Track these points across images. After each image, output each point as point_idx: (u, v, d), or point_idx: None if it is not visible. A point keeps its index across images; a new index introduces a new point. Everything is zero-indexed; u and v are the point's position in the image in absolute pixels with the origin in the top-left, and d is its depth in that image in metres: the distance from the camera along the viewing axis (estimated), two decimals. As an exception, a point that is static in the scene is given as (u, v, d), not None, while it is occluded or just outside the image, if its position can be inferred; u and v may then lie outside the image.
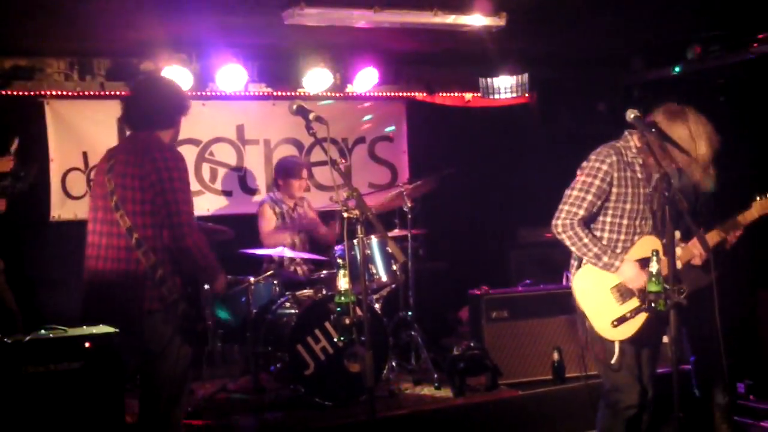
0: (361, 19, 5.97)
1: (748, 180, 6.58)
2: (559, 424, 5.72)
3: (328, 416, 5.68)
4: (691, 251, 4.38)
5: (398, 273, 6.48)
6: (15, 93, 6.85)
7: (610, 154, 4.24)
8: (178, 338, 4.15)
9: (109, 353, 4.93)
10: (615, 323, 4.19)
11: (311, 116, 3.90)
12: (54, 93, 6.98)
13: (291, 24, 5.84)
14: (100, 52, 7.07)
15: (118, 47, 6.85)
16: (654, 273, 3.91)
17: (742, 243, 5.02)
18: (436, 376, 6.36)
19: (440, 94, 8.34)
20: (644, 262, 4.13)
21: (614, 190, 4.22)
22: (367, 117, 8.25)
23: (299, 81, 7.43)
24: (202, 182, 7.62)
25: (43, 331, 4.68)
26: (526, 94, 7.97)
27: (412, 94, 8.28)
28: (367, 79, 7.61)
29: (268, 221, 6.97)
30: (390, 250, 6.14)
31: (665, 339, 4.50)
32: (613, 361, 4.20)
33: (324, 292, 6.14)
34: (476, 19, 6.06)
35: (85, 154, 7.11)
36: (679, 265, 4.28)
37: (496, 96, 7.83)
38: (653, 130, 4.12)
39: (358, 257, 4.12)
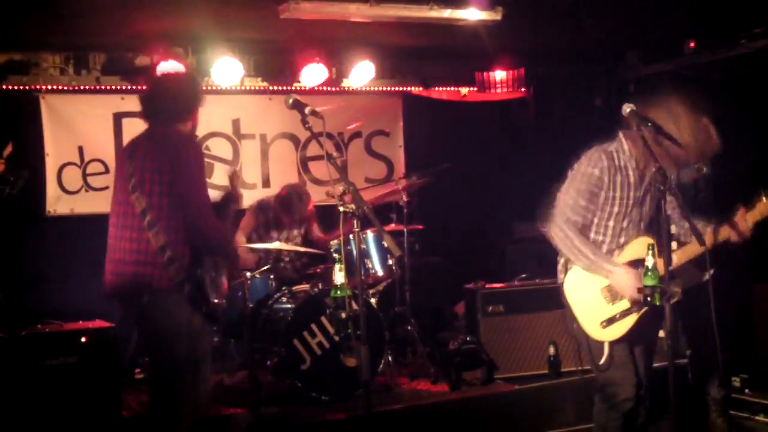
0: (356, 13, 5.97)
1: (749, 176, 6.61)
2: (555, 418, 5.73)
3: (324, 411, 5.68)
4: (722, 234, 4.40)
5: (394, 267, 6.47)
6: (10, 87, 6.85)
7: (601, 158, 4.21)
8: (192, 319, 4.14)
9: (105, 348, 4.94)
10: (604, 324, 4.18)
11: (307, 110, 3.90)
12: (49, 87, 6.97)
13: (287, 18, 5.84)
14: (96, 47, 7.06)
15: (113, 41, 6.85)
16: (650, 267, 3.91)
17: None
18: (432, 370, 6.36)
19: (436, 88, 8.34)
20: (636, 264, 4.12)
21: (602, 193, 4.20)
22: (363, 111, 8.24)
23: (295, 75, 7.42)
24: (197, 177, 7.60)
25: (39, 326, 4.69)
26: (522, 89, 7.97)
27: (408, 88, 8.28)
28: (363, 73, 7.60)
29: (246, 224, 6.93)
30: (386, 245, 6.12)
31: (662, 333, 4.50)
32: (601, 362, 4.20)
33: (320, 286, 6.14)
34: (472, 14, 6.06)
35: (80, 149, 7.10)
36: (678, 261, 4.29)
37: (492, 90, 7.83)
38: (649, 124, 4.11)
39: (354, 252, 4.11)
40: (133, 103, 7.04)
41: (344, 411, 5.60)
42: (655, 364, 5.21)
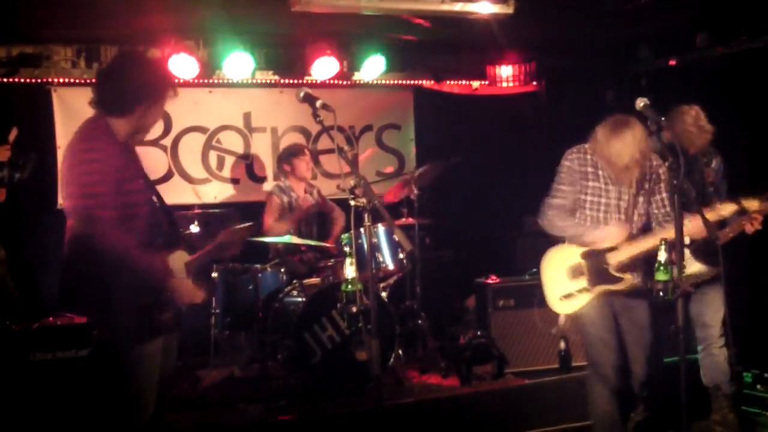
0: (368, 5, 5.95)
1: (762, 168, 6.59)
2: (566, 412, 5.71)
3: (334, 404, 5.69)
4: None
5: (405, 261, 6.47)
6: (22, 80, 6.88)
7: (572, 152, 4.67)
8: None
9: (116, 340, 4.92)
10: (562, 298, 4.71)
11: (318, 104, 3.88)
12: (61, 80, 7.00)
13: (298, 11, 5.83)
14: (107, 40, 7.07)
15: (124, 34, 6.85)
16: (662, 261, 3.90)
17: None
18: (442, 364, 6.36)
19: (447, 82, 8.33)
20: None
21: (578, 182, 4.62)
22: (374, 105, 8.22)
23: (306, 69, 7.41)
24: (209, 170, 7.62)
25: (51, 318, 4.70)
26: (533, 83, 7.95)
27: (420, 82, 8.27)
28: (374, 66, 7.59)
29: (273, 211, 6.93)
30: (397, 239, 6.12)
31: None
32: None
33: (331, 280, 6.14)
34: (484, 7, 6.03)
35: (92, 142, 7.11)
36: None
37: (504, 84, 7.81)
38: (662, 118, 4.12)
39: (365, 245, 4.11)
40: (144, 96, 7.10)
41: (355, 405, 5.60)
42: (666, 359, 5.22)
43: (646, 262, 4.46)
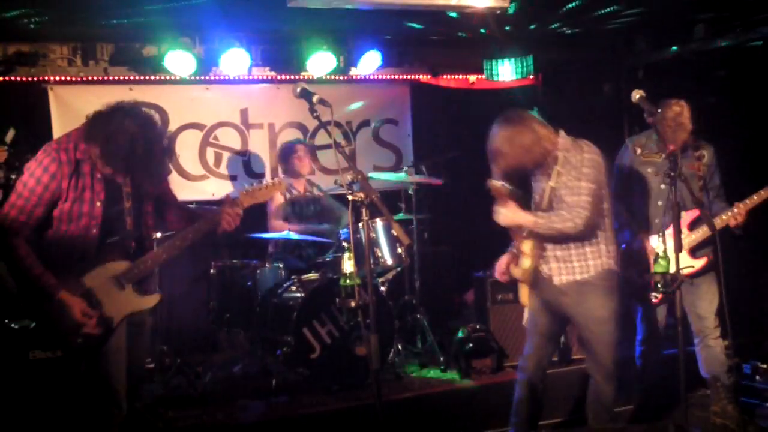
0: (364, 0, 5.94)
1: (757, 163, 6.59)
2: (565, 405, 5.72)
3: (334, 399, 5.70)
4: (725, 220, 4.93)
5: (403, 256, 6.47)
6: (19, 79, 6.86)
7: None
8: None
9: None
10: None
11: (315, 99, 3.89)
12: (58, 78, 6.99)
13: (294, 7, 5.82)
14: (104, 37, 7.06)
15: (121, 32, 6.84)
16: (660, 254, 3.91)
17: (747, 224, 5.04)
18: (441, 358, 6.37)
19: (444, 76, 8.31)
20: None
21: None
22: (372, 100, 8.22)
23: (303, 64, 7.40)
24: (206, 166, 7.62)
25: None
26: (531, 76, 7.94)
27: (417, 76, 8.25)
28: (370, 61, 7.58)
29: (276, 205, 6.95)
30: (395, 233, 6.12)
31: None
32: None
33: (330, 275, 6.15)
34: (480, 1, 6.03)
35: (89, 140, 7.10)
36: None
37: (501, 78, 7.80)
38: (659, 110, 4.12)
39: (363, 240, 4.11)
40: (141, 94, 7.11)
41: (354, 400, 5.61)
42: (665, 351, 5.23)
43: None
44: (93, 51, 7.11)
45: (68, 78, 7.01)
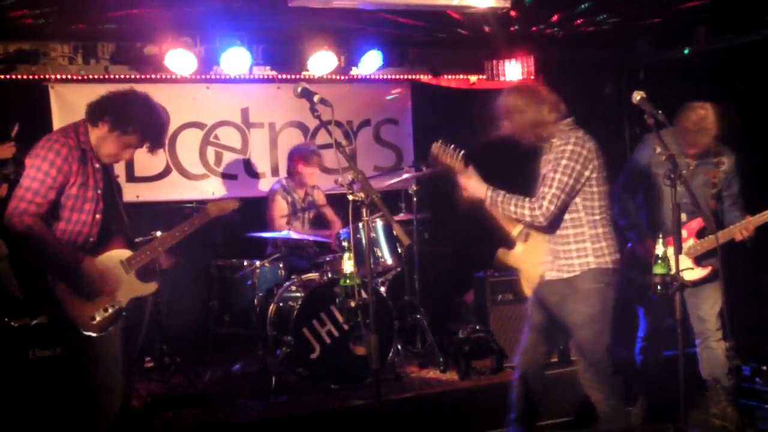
0: (365, 0, 5.94)
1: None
2: (565, 406, 5.72)
3: (333, 399, 5.70)
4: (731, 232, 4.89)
5: (403, 256, 6.47)
6: (19, 77, 6.86)
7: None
8: None
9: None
10: None
11: (316, 98, 3.88)
12: (58, 77, 6.98)
13: (295, 6, 5.82)
14: (104, 36, 7.05)
15: (122, 31, 6.84)
16: (660, 255, 3.91)
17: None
18: (441, 359, 6.37)
19: (445, 76, 8.31)
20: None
21: None
22: (372, 100, 8.21)
23: (304, 64, 7.40)
24: (206, 166, 7.62)
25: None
26: (532, 77, 7.93)
27: (417, 76, 8.26)
28: (371, 61, 7.58)
29: (280, 209, 6.95)
30: (395, 234, 6.12)
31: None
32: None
33: (329, 275, 6.15)
34: (482, 1, 6.03)
35: (90, 138, 7.10)
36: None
37: (502, 78, 7.80)
38: (659, 112, 4.11)
39: (363, 240, 4.11)
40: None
41: (354, 399, 5.61)
42: (665, 353, 5.22)
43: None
44: (94, 49, 7.10)
45: (69, 76, 7.01)
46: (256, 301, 6.26)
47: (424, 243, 7.17)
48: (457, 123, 8.24)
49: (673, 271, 3.97)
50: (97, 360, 4.12)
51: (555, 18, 7.04)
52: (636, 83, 8.02)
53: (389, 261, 6.41)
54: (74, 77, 7.03)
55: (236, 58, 7.03)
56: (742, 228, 4.99)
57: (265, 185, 7.55)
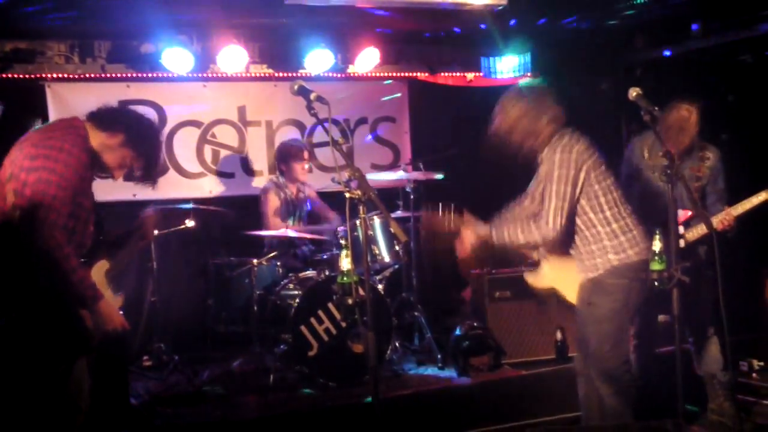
0: (362, -2, 5.95)
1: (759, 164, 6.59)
2: (563, 403, 5.73)
3: (331, 397, 5.70)
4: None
5: (401, 253, 6.47)
6: (16, 76, 6.84)
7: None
8: None
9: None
10: None
11: (312, 96, 3.88)
12: (55, 76, 6.97)
13: (292, 4, 5.82)
14: (101, 35, 7.04)
15: (118, 29, 6.83)
16: (657, 251, 3.91)
17: (745, 223, 5.04)
18: (439, 356, 6.37)
19: (442, 74, 8.30)
20: None
21: None
22: (369, 97, 8.21)
23: (300, 62, 7.40)
24: (203, 164, 7.61)
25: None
26: (528, 74, 7.93)
27: (414, 74, 8.25)
28: (368, 59, 7.58)
29: (272, 207, 6.95)
30: (393, 231, 6.12)
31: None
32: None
33: (327, 272, 6.15)
34: (478, -2, 6.04)
35: (86, 137, 7.09)
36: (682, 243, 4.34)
37: (499, 76, 7.80)
38: (656, 108, 4.11)
39: (361, 237, 4.11)
40: (138, 91, 7.11)
41: (351, 397, 5.61)
42: (661, 349, 5.23)
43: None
44: (90, 48, 7.09)
45: (66, 75, 7.00)
46: (253, 299, 6.26)
47: (421, 240, 7.16)
48: (454, 120, 8.27)
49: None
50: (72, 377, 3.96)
51: (551, 14, 7.04)
52: (633, 80, 8.01)
53: (387, 258, 6.42)
54: (71, 76, 7.02)
55: (233, 56, 7.03)
56: (722, 218, 5.03)
57: (262, 183, 7.56)
